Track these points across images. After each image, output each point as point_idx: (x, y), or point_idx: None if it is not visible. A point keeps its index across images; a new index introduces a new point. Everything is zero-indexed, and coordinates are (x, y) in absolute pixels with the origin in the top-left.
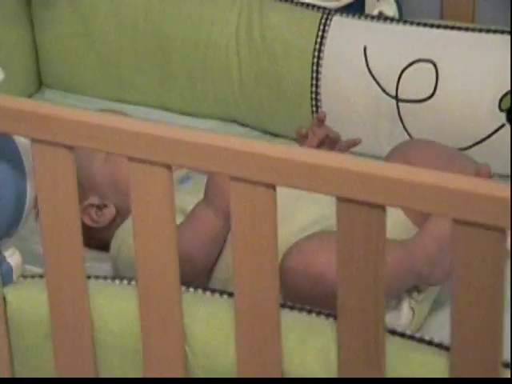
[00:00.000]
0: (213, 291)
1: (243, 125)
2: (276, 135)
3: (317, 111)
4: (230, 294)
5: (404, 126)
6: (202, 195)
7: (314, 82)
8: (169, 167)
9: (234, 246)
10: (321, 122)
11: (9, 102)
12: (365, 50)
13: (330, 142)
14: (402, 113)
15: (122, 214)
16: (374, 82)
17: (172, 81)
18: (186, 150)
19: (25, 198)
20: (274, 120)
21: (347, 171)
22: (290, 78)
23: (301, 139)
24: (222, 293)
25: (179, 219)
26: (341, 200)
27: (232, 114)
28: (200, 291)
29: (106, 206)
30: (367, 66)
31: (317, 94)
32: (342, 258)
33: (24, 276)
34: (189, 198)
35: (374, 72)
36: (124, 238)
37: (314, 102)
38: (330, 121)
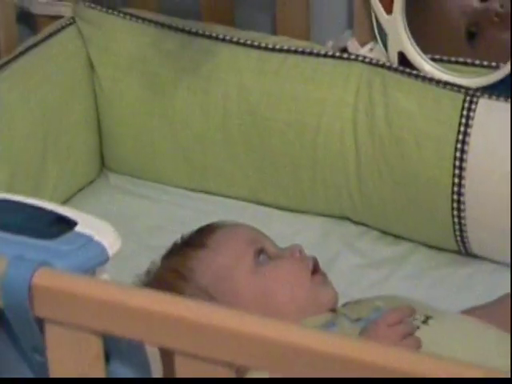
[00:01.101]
0: None
1: (358, 223)
2: (401, 237)
3: (459, 217)
4: None
5: None
6: None
7: (457, 180)
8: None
9: None
10: None
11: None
12: None
13: None
14: None
15: None
16: None
17: (271, 171)
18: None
19: None
20: (401, 221)
21: None
22: (425, 175)
23: None
24: None
25: None
26: None
27: (344, 210)
28: None
29: None
30: None
31: (459, 195)
32: None
33: None
34: None
35: None
36: None
37: (455, 205)
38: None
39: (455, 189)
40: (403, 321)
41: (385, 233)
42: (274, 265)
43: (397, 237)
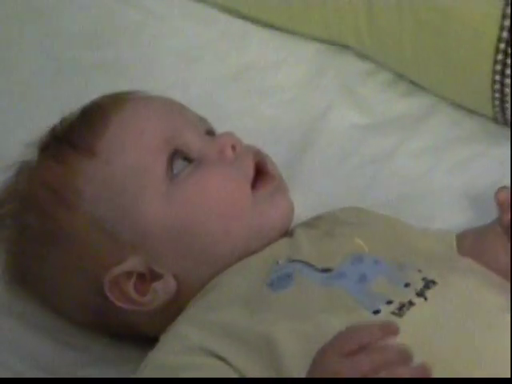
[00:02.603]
0: None
1: (364, 57)
2: (419, 87)
3: (502, 74)
4: None
5: None
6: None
7: (505, 35)
8: None
9: None
10: None
11: None
12: None
13: None
14: None
15: (182, 294)
16: None
17: None
18: None
19: None
20: (421, 66)
21: None
22: (459, 18)
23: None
24: None
25: None
26: None
27: (346, 37)
28: None
29: (158, 276)
30: None
31: (505, 55)
32: None
33: None
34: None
35: None
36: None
37: (498, 67)
38: None
39: (501, 46)
40: (370, 343)
41: (400, 77)
42: (193, 177)
43: (414, 85)
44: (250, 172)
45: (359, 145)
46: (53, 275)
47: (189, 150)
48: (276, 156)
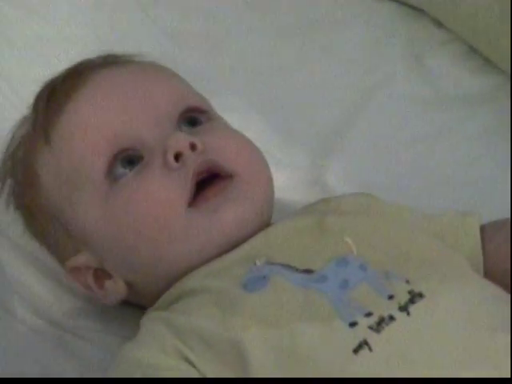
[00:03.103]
0: None
1: (439, 24)
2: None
3: None
4: None
5: None
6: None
7: None
8: None
9: None
10: None
11: None
12: None
13: None
14: None
15: (142, 296)
16: None
17: None
18: None
19: None
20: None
21: None
22: None
23: None
24: None
25: None
26: None
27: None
28: None
29: (109, 275)
30: None
31: None
32: None
33: None
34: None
35: None
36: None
37: None
38: None
39: None
40: None
41: (473, 51)
42: (127, 189)
43: (486, 62)
44: (188, 187)
45: (414, 119)
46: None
47: (136, 151)
48: (326, 118)
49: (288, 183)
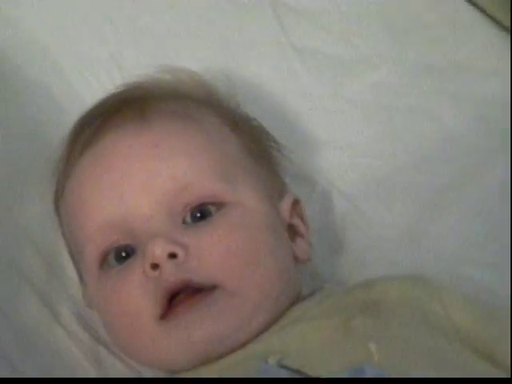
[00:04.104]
0: None
1: None
2: None
3: None
4: None
5: None
6: None
7: None
8: None
9: None
10: None
11: None
12: None
13: None
14: None
15: None
16: None
17: None
18: None
19: None
20: None
21: None
22: None
23: None
24: None
25: None
26: None
27: None
28: None
29: None
30: None
31: None
32: None
33: None
34: None
35: None
36: None
37: None
38: None
39: None
40: None
41: None
42: (107, 288)
43: None
44: (160, 300)
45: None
46: None
47: (128, 246)
48: (402, 96)
49: None
